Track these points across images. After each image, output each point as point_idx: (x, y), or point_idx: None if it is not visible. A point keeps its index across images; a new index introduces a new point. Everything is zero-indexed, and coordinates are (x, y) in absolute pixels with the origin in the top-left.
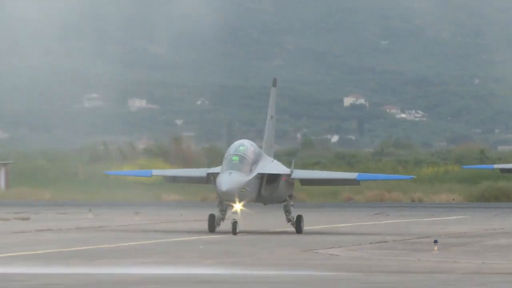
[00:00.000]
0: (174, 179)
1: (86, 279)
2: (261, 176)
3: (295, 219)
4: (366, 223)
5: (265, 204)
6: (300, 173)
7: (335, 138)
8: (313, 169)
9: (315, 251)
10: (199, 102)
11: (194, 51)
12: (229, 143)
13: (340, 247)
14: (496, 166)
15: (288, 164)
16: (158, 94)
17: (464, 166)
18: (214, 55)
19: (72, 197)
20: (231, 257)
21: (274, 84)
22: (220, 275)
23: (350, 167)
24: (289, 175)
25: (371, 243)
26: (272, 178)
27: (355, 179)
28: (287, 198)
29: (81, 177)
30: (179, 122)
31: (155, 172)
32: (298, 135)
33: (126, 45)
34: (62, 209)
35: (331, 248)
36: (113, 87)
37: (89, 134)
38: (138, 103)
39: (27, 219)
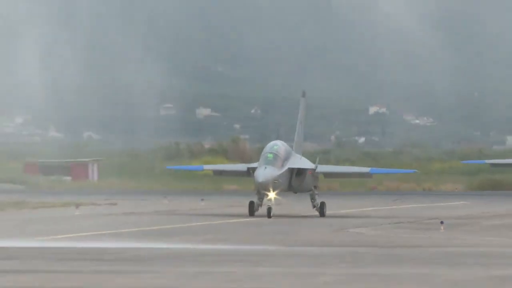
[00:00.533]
0: (221, 172)
1: (164, 252)
2: (291, 170)
3: (319, 205)
4: (385, 207)
5: (294, 193)
6: (323, 168)
7: (362, 140)
8: (343, 165)
9: (345, 230)
10: (253, 111)
11: (249, 69)
12: None
13: (366, 227)
14: (487, 161)
15: (322, 161)
16: (220, 104)
17: (462, 161)
18: (265, 72)
19: (151, 187)
20: (274, 236)
21: (303, 95)
22: (268, 250)
23: (375, 163)
24: (314, 169)
25: (389, 224)
26: (300, 172)
27: (369, 172)
28: (313, 188)
29: (157, 171)
30: (237, 126)
31: (206, 167)
32: (332, 137)
33: (195, 64)
34: (143, 196)
35: (358, 227)
36: (184, 98)
37: (164, 137)
38: (204, 112)
39: (115, 204)
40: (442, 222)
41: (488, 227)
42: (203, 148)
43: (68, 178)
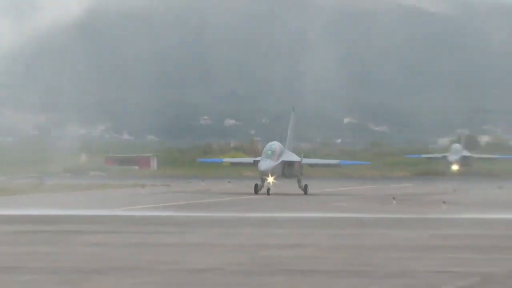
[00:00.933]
0: (236, 164)
1: (203, 218)
2: (284, 162)
3: (303, 186)
4: (357, 187)
5: (286, 178)
6: (307, 160)
7: (338, 141)
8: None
9: (325, 203)
10: (263, 120)
11: (260, 91)
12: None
13: (340, 201)
14: (424, 155)
15: (311, 156)
16: (241, 116)
17: (406, 156)
18: (272, 93)
19: (194, 174)
20: (277, 206)
21: (293, 110)
22: (274, 216)
23: (348, 157)
24: (300, 161)
25: (358, 199)
26: (290, 163)
27: (338, 163)
28: (299, 175)
29: (197, 163)
30: (252, 132)
31: (225, 159)
32: (318, 139)
33: (224, 88)
34: (188, 180)
35: (336, 201)
36: (216, 112)
37: (203, 139)
38: (230, 122)
39: (168, 185)
40: (394, 198)
41: (426, 201)
42: (229, 147)
43: (136, 167)
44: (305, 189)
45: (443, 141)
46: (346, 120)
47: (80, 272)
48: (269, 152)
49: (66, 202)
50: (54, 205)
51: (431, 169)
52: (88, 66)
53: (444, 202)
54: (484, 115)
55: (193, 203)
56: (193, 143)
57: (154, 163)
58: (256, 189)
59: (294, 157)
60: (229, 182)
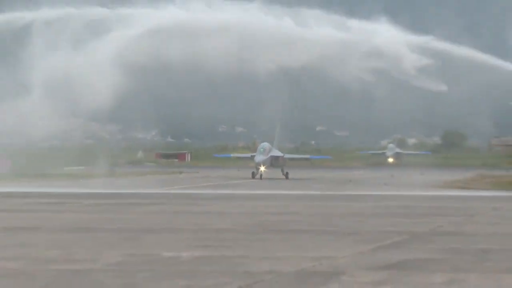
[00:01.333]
0: (240, 158)
1: (221, 195)
2: (272, 156)
3: (285, 173)
4: (325, 175)
5: (274, 167)
6: (287, 155)
7: (313, 142)
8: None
9: (302, 184)
10: (262, 128)
11: (257, 106)
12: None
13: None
14: (370, 151)
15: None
16: (247, 124)
17: (360, 152)
18: (265, 107)
19: (213, 164)
20: (268, 187)
21: (279, 121)
22: (269, 193)
23: (321, 154)
24: (283, 156)
25: (325, 182)
26: (276, 157)
27: (309, 158)
28: (282, 165)
29: (214, 157)
30: (255, 136)
31: (232, 155)
32: (299, 141)
33: (237, 107)
34: (210, 169)
35: (309, 184)
36: (230, 122)
37: (220, 141)
38: (239, 129)
39: (197, 172)
40: (350, 180)
41: (373, 183)
42: (238, 146)
43: (176, 160)
44: (286, 175)
45: (384, 142)
46: (318, 128)
47: (138, 231)
48: (261, 149)
49: (129, 184)
50: (121, 186)
51: (376, 161)
52: (142, 89)
53: (385, 183)
54: (411, 124)
55: (216, 185)
56: (214, 144)
57: (188, 157)
58: (253, 175)
59: (279, 153)
60: (238, 170)
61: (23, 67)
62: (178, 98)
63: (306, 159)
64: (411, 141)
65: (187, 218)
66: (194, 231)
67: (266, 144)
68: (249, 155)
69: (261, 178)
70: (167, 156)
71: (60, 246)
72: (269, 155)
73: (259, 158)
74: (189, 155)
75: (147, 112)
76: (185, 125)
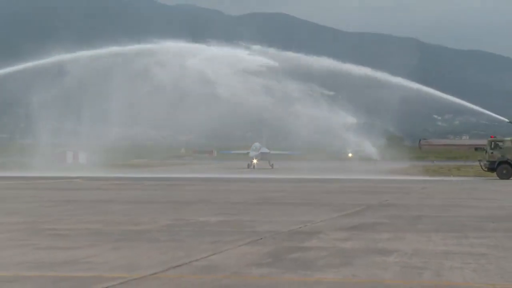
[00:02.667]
0: (238, 153)
1: (235, 178)
2: (262, 152)
3: (272, 165)
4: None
5: (263, 160)
6: (273, 151)
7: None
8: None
9: (286, 172)
10: (259, 133)
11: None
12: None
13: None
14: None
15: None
16: (252, 131)
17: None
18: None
19: (224, 158)
20: (261, 173)
21: (263, 127)
22: (261, 178)
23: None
24: (270, 152)
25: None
26: (265, 153)
27: (288, 153)
28: (269, 159)
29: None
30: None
31: (232, 151)
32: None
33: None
34: (222, 160)
35: (291, 171)
36: (240, 130)
37: (234, 143)
38: (247, 134)
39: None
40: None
41: (339, 171)
42: (244, 146)
43: (206, 155)
44: (272, 166)
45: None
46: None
47: (182, 203)
48: (254, 147)
49: (175, 171)
50: (171, 172)
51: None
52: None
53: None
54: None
55: (229, 170)
56: (230, 144)
57: (215, 153)
58: (248, 166)
59: (267, 150)
60: (249, 164)
61: (107, 90)
62: (211, 113)
63: (286, 154)
64: (366, 142)
65: (213, 194)
66: (218, 203)
67: (257, 144)
68: (245, 151)
69: (254, 168)
70: (200, 152)
71: (127, 214)
72: (260, 151)
73: (252, 154)
74: (215, 151)
75: (188, 122)
76: (211, 132)
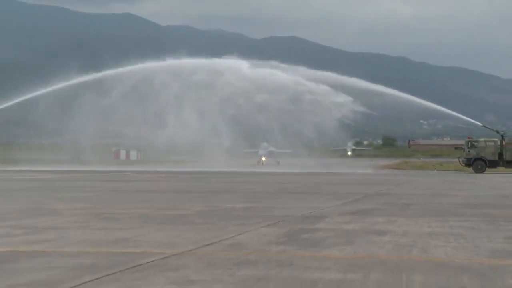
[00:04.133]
0: (250, 152)
1: (251, 171)
2: (269, 151)
3: (278, 162)
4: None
5: (270, 158)
6: (279, 150)
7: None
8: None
9: (292, 166)
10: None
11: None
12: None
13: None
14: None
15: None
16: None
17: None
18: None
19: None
20: (271, 168)
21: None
22: (269, 172)
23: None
24: (276, 151)
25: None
26: (272, 151)
27: (292, 152)
28: (276, 157)
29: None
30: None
31: (244, 150)
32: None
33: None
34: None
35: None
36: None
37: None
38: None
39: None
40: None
41: (340, 166)
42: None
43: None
44: (278, 163)
45: (349, 143)
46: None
47: (213, 192)
48: (263, 147)
49: (204, 166)
50: (201, 167)
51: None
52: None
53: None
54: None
55: (244, 166)
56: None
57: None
58: (258, 163)
59: (274, 149)
60: (258, 161)
61: (151, 98)
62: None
63: (290, 153)
64: (365, 142)
65: (236, 185)
66: (243, 192)
67: (265, 143)
68: (255, 150)
69: (262, 164)
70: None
71: (168, 201)
72: (267, 150)
73: (261, 152)
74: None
75: (223, 127)
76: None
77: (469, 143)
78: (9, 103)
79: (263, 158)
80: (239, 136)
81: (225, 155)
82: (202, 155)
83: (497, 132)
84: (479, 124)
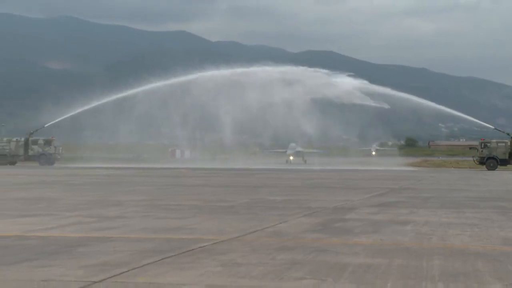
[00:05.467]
0: (278, 152)
1: (267, 168)
2: (296, 151)
3: (305, 161)
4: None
5: (298, 157)
6: (305, 150)
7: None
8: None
9: (321, 164)
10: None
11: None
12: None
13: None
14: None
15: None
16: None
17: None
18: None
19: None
20: (298, 165)
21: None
22: (293, 169)
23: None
24: (303, 150)
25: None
26: (299, 151)
27: (317, 151)
28: (303, 156)
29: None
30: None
31: (275, 150)
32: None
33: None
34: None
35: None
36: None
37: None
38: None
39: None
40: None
41: (365, 163)
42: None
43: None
44: (305, 161)
45: (374, 145)
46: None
47: (256, 187)
48: (291, 147)
49: (243, 164)
50: (245, 164)
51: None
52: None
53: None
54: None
55: (275, 165)
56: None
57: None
58: (286, 162)
59: (301, 149)
60: (287, 160)
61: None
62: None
63: (316, 152)
64: (389, 143)
65: (277, 181)
66: (282, 187)
67: (293, 144)
68: (284, 150)
69: (290, 163)
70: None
71: (217, 194)
72: (295, 150)
73: (289, 151)
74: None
75: (262, 127)
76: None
77: (483, 143)
78: (85, 107)
79: (291, 158)
80: (275, 137)
81: (260, 154)
82: (242, 153)
83: (508, 134)
84: (491, 127)
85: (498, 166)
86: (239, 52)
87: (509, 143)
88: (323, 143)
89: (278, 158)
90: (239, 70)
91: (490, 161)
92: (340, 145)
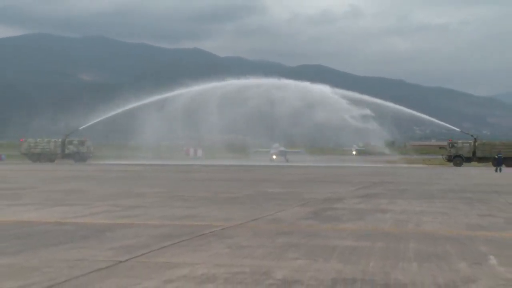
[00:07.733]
0: (266, 151)
1: (261, 165)
2: (280, 150)
3: (287, 159)
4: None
5: (281, 156)
6: (288, 150)
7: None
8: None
9: (303, 162)
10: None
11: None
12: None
13: (304, 163)
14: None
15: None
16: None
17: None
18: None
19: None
20: (278, 163)
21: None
22: (280, 165)
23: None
24: (285, 150)
25: (315, 160)
26: (282, 151)
27: (299, 151)
28: (285, 155)
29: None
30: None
31: (259, 149)
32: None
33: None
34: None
35: (302, 162)
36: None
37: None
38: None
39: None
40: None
41: (350, 160)
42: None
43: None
44: (287, 160)
45: (354, 146)
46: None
47: (258, 180)
48: (274, 147)
49: (255, 159)
50: (250, 160)
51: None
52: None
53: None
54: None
55: (263, 162)
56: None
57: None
58: (270, 160)
59: (283, 148)
60: (270, 159)
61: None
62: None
63: (298, 152)
64: (371, 143)
65: (275, 175)
66: (279, 181)
67: (277, 144)
68: (268, 149)
69: (273, 161)
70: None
71: (224, 187)
72: (279, 149)
73: (273, 151)
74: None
75: (266, 129)
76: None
77: (451, 144)
78: (114, 112)
79: (274, 157)
80: (268, 137)
81: (245, 152)
82: (241, 153)
83: (472, 136)
84: (458, 130)
85: (464, 163)
86: (243, 66)
87: (473, 144)
88: (307, 143)
89: (262, 157)
90: (241, 81)
91: (457, 159)
92: (323, 144)
